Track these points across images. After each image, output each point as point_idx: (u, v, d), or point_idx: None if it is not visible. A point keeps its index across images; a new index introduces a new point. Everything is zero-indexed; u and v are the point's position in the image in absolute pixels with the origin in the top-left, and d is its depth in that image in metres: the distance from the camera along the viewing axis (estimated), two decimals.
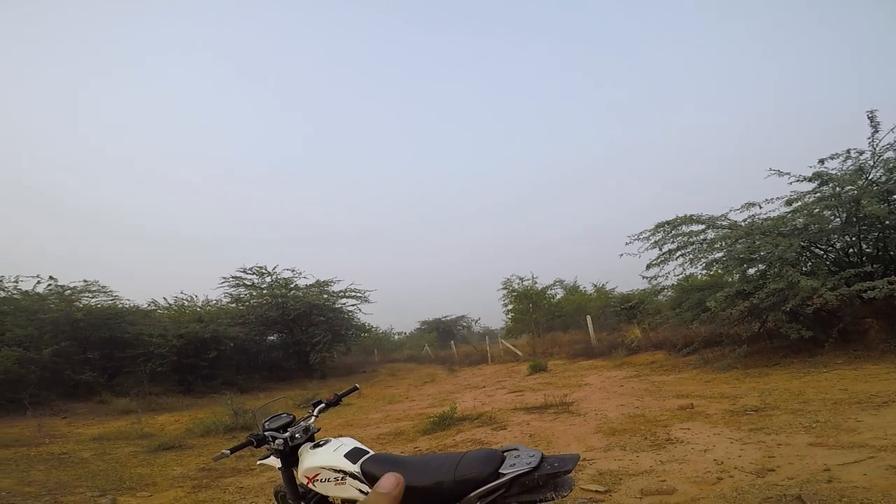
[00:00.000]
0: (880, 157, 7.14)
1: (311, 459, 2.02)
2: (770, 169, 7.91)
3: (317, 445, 2.08)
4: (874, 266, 6.89)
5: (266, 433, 2.06)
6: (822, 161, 7.61)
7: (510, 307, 20.95)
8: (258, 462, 2.28)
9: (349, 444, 2.07)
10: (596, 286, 23.07)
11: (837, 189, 7.32)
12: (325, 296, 18.10)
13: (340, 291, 18.41)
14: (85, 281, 14.78)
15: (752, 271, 7.84)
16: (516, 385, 9.90)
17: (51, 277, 13.95)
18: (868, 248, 7.75)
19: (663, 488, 3.05)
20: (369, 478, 1.85)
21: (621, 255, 9.52)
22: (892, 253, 7.56)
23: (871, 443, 3.36)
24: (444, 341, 29.13)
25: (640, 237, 9.29)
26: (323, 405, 2.36)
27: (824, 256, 8.13)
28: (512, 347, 18.09)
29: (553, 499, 1.52)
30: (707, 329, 9.77)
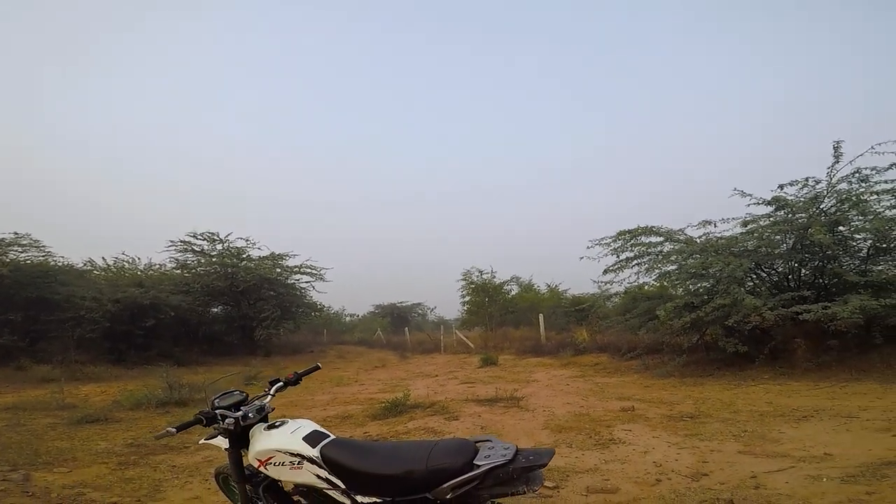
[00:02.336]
0: (834, 187, 7.62)
1: (265, 441, 1.91)
2: (734, 189, 8.37)
3: (271, 426, 1.97)
4: (809, 291, 7.41)
5: (216, 411, 1.91)
6: (781, 186, 8.07)
7: (467, 299, 21.16)
8: (201, 441, 2.12)
9: (308, 426, 1.96)
10: (549, 286, 23.68)
11: (790, 215, 7.81)
12: (279, 270, 17.47)
13: (295, 267, 17.85)
14: (15, 233, 13.48)
15: (700, 286, 8.25)
16: (468, 376, 10.02)
17: None
18: (806, 273, 8.34)
19: (607, 487, 3.16)
20: (329, 463, 1.77)
21: (581, 258, 9.81)
22: (826, 281, 8.19)
23: (793, 453, 3.65)
24: (398, 327, 29.06)
25: (601, 242, 9.60)
26: (281, 384, 2.22)
27: (766, 278, 8.68)
28: (465, 339, 18.29)
29: (524, 492, 1.52)
30: (650, 337, 10.25)
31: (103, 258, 16.56)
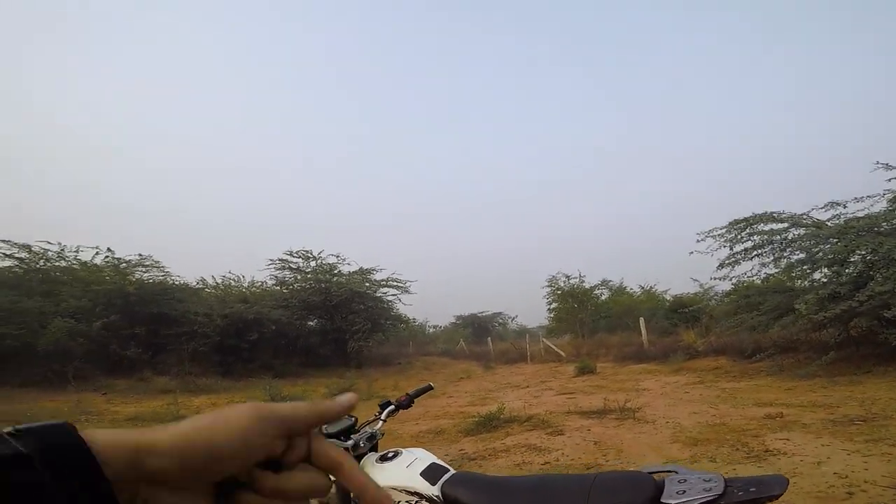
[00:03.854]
0: None
1: (378, 477, 1.58)
2: (878, 162, 7.04)
3: (384, 457, 1.66)
4: None
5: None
6: None
7: (554, 305, 20.19)
8: None
9: (425, 458, 1.64)
10: (643, 288, 21.98)
11: None
12: (367, 283, 17.88)
13: (382, 280, 18.16)
14: (140, 255, 14.85)
15: (845, 273, 6.91)
16: (564, 386, 9.26)
17: (108, 249, 13.99)
18: None
19: None
20: (450, 503, 1.41)
21: (691, 252, 8.76)
22: None
23: None
24: (479, 337, 28.62)
25: (712, 234, 8.49)
26: (392, 407, 1.90)
27: None
28: (554, 347, 17.37)
29: None
30: (780, 334, 8.86)
31: (213, 276, 17.82)
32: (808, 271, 7.93)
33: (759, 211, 8.31)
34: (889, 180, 7.12)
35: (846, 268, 7.04)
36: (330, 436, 1.63)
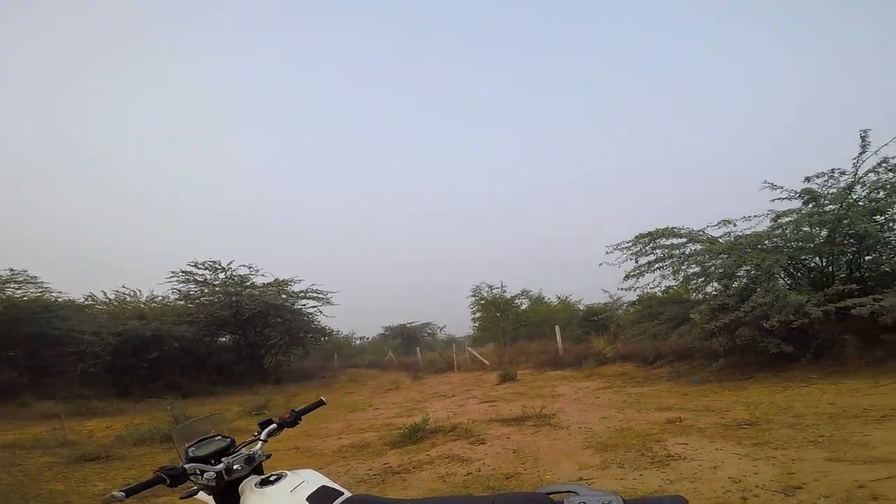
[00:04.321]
0: (860, 179, 7.26)
1: (259, 502, 1.40)
2: (764, 181, 7.98)
3: (266, 481, 1.46)
4: (854, 285, 6.94)
5: (187, 465, 1.41)
6: (808, 179, 7.72)
7: (478, 315, 20.64)
8: (180, 498, 1.54)
9: (313, 480, 1.45)
10: (560, 298, 23.18)
11: (819, 208, 7.41)
12: (284, 296, 17.12)
13: (301, 292, 17.48)
14: (11, 270, 13.25)
15: (733, 286, 7.78)
16: (487, 394, 9.47)
17: None
18: (839, 268, 7.86)
19: None
20: None
21: (600, 264, 9.38)
22: (862, 274, 7.70)
23: (894, 457, 3.15)
24: (409, 348, 28.44)
25: (620, 247, 9.17)
26: (274, 426, 1.71)
27: (801, 276, 8.20)
28: (479, 356, 17.71)
29: None
30: (678, 343, 9.74)
31: (103, 292, 16.33)
32: (703, 284, 8.70)
33: (663, 226, 9.01)
34: (772, 200, 8.05)
35: (733, 281, 7.89)
36: (197, 459, 1.48)
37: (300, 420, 1.78)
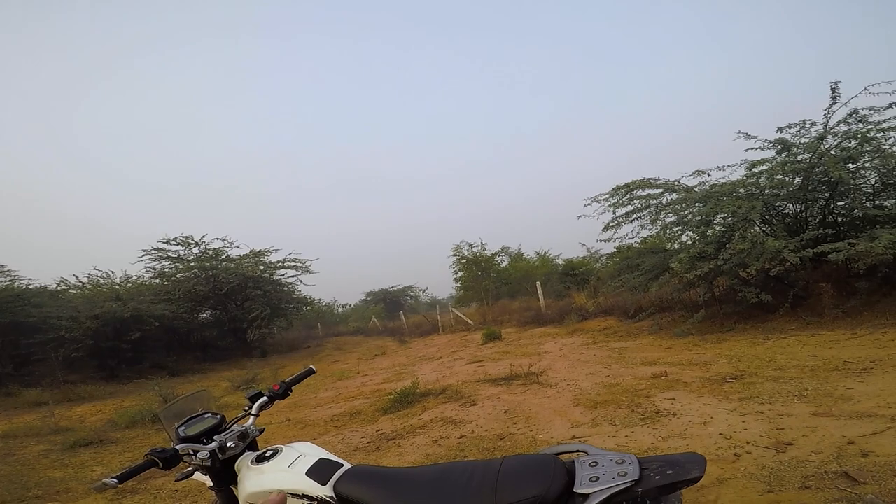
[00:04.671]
0: (831, 129, 7.31)
1: (256, 480, 1.37)
2: (738, 132, 7.96)
3: (262, 457, 1.42)
4: (820, 231, 7.08)
5: (179, 446, 1.36)
6: (780, 129, 7.74)
7: (460, 274, 20.72)
8: (175, 480, 1.51)
9: (311, 453, 1.42)
10: (539, 254, 23.41)
11: (795, 157, 7.47)
12: (262, 267, 16.83)
13: (278, 262, 17.22)
14: None
15: (710, 233, 7.89)
16: (474, 355, 9.60)
17: None
18: (813, 214, 8.02)
19: None
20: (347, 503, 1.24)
21: (579, 216, 9.38)
22: (835, 219, 7.88)
23: (878, 412, 3.19)
24: (392, 312, 28.62)
25: (598, 199, 9.18)
26: (265, 399, 1.66)
27: (777, 222, 8.35)
28: (463, 316, 17.92)
29: None
30: (658, 294, 9.95)
31: (75, 276, 15.85)
32: (679, 232, 8.85)
33: (639, 177, 9.02)
34: (745, 150, 8.20)
35: (710, 229, 8.04)
36: (189, 439, 1.42)
37: (290, 391, 1.73)
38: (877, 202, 7.49)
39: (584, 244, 17.14)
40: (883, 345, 5.08)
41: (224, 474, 1.44)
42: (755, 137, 7.89)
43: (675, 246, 9.47)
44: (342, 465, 1.36)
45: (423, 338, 17.05)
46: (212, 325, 17.17)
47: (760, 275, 7.19)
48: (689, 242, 8.71)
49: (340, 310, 34.85)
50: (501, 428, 4.22)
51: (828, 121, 7.33)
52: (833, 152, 7.06)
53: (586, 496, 0.99)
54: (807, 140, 7.49)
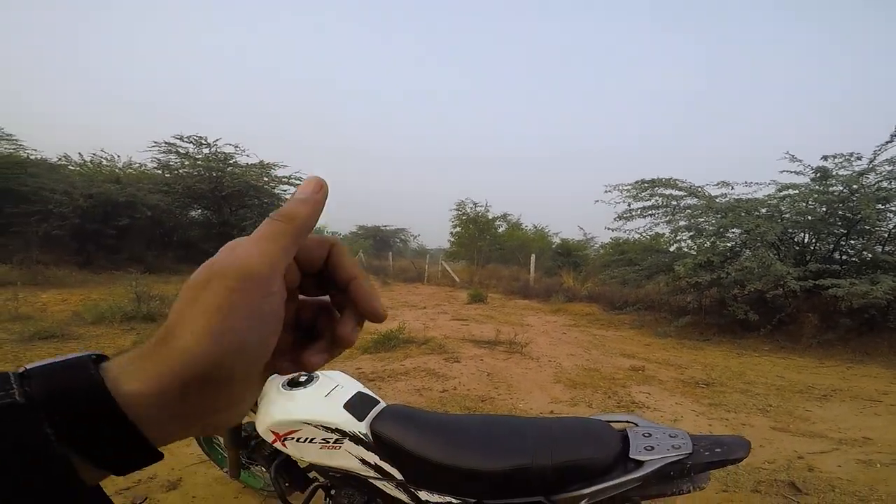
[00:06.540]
0: (875, 166, 7.28)
1: (287, 408, 1.28)
2: (786, 152, 7.96)
3: (293, 382, 1.33)
4: (837, 266, 7.22)
5: None
6: (825, 157, 7.69)
7: (457, 230, 20.72)
8: None
9: (348, 385, 1.36)
10: (537, 227, 23.44)
11: (828, 187, 7.45)
12: (266, 178, 16.65)
13: (283, 177, 16.98)
14: None
15: (722, 245, 7.99)
16: (458, 312, 9.77)
17: None
18: (824, 248, 8.12)
19: None
20: (384, 445, 1.21)
21: (596, 201, 9.38)
22: (842, 257, 8.00)
23: (829, 434, 3.47)
24: (380, 251, 28.74)
25: (619, 188, 9.15)
26: None
27: (787, 249, 8.45)
28: (451, 271, 18.08)
29: (688, 491, 1.09)
30: (646, 292, 10.14)
31: (80, 153, 15.46)
32: (687, 238, 8.98)
33: (666, 176, 9.02)
34: (781, 172, 8.12)
35: (721, 241, 8.13)
36: None
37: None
38: (887, 248, 7.61)
39: (581, 227, 17.20)
40: (846, 378, 5.37)
41: None
42: (800, 161, 7.87)
43: (673, 249, 9.58)
44: (378, 402, 1.33)
45: (408, 284, 17.23)
46: (200, 225, 16.98)
47: (754, 294, 7.33)
48: (694, 249, 8.79)
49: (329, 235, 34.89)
50: (483, 390, 4.36)
51: (875, 157, 7.30)
52: (868, 190, 7.08)
53: (641, 463, 1.06)
54: (847, 173, 7.48)
